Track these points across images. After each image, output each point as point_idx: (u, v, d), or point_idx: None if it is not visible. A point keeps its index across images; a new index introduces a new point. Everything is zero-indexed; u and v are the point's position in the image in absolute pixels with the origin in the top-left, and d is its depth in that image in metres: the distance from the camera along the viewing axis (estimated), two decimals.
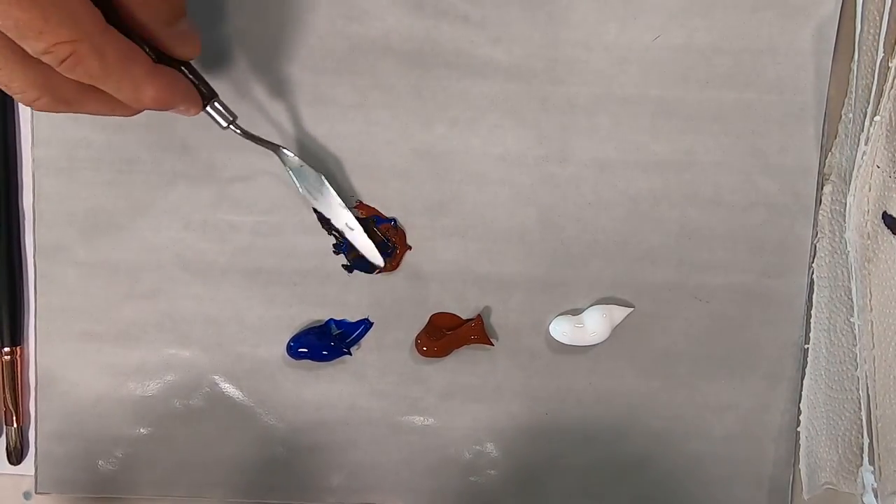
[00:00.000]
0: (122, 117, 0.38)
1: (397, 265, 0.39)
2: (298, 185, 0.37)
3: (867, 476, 0.38)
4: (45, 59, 0.27)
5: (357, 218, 0.38)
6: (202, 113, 0.34)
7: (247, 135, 0.36)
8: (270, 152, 0.37)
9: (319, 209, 0.38)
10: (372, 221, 0.39)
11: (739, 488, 0.40)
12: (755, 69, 0.38)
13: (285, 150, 0.37)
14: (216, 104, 0.34)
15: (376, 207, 0.39)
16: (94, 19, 0.27)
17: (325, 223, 0.39)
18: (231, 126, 0.35)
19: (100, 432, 0.40)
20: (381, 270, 0.39)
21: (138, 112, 0.32)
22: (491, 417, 0.40)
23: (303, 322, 0.40)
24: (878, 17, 0.37)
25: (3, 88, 0.29)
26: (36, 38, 0.26)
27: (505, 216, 0.39)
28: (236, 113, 0.35)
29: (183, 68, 0.32)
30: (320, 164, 0.38)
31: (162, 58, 0.31)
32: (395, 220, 0.39)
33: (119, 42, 0.29)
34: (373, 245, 0.38)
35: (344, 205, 0.38)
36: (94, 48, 0.28)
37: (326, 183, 0.37)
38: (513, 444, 0.40)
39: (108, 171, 0.39)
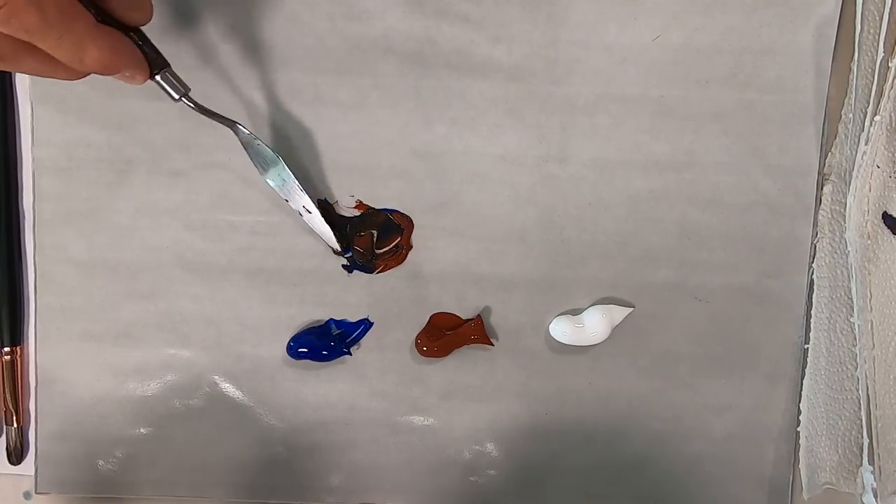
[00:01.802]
0: (122, 117, 0.38)
1: (404, 258, 0.39)
2: (257, 165, 0.36)
3: (867, 476, 0.38)
4: None
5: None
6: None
7: (201, 109, 0.35)
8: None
9: (276, 189, 0.37)
10: (374, 211, 0.39)
11: (739, 488, 0.40)
12: (755, 69, 0.38)
13: (240, 126, 0.36)
14: (167, 74, 0.33)
15: (376, 208, 0.39)
16: None
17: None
18: (184, 99, 0.34)
19: (100, 432, 0.40)
20: (386, 267, 0.39)
21: (80, 77, 0.30)
22: (491, 417, 0.40)
23: (303, 322, 0.40)
24: (878, 17, 0.37)
25: None
26: None
27: (505, 216, 0.39)
28: (188, 92, 0.34)
29: (133, 35, 0.31)
30: (320, 163, 0.38)
31: (108, 21, 0.30)
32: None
33: None
34: (330, 230, 0.37)
35: (301, 187, 0.37)
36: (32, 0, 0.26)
37: (283, 163, 0.36)
38: (513, 444, 0.40)
39: (108, 171, 0.39)
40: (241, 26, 0.38)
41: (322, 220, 0.37)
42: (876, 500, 0.38)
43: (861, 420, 0.38)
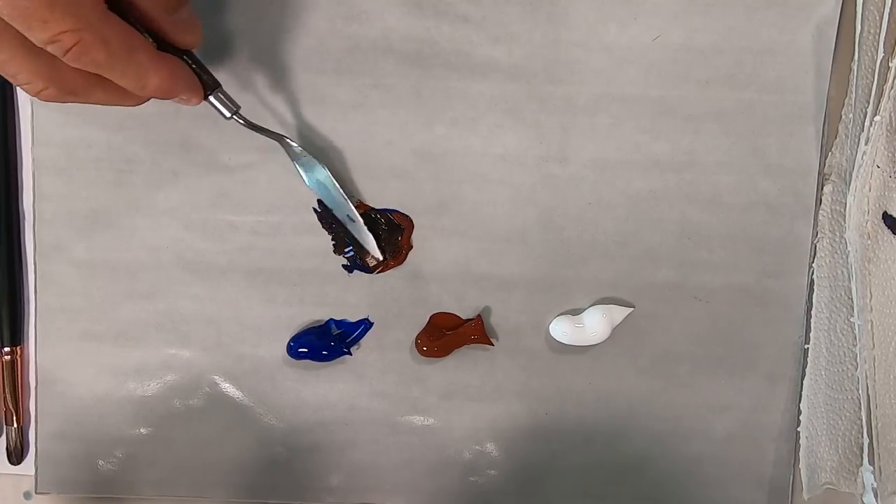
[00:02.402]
0: (122, 117, 0.38)
1: (404, 258, 0.39)
2: (304, 176, 0.37)
3: (867, 476, 0.38)
4: (50, 48, 0.27)
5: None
6: (203, 109, 0.34)
7: (250, 125, 0.36)
8: (270, 152, 0.37)
9: (322, 199, 0.38)
10: (373, 211, 0.39)
11: (739, 488, 0.40)
12: (755, 69, 0.38)
13: (289, 140, 0.37)
14: (219, 94, 0.34)
15: (376, 208, 0.39)
16: (96, 7, 0.27)
17: (326, 222, 0.39)
18: (234, 116, 0.35)
19: (100, 432, 0.40)
20: (386, 267, 0.39)
21: (143, 102, 0.32)
22: (491, 417, 0.40)
23: (303, 322, 0.40)
24: (878, 17, 0.37)
25: (10, 79, 0.29)
26: (41, 28, 0.26)
27: (505, 216, 0.39)
28: (238, 110, 0.35)
29: (185, 57, 0.32)
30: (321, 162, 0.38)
31: (164, 46, 0.31)
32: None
33: (122, 29, 0.29)
34: (373, 238, 0.38)
35: (346, 196, 0.37)
36: (99, 36, 0.27)
37: (328, 173, 0.37)
38: (513, 444, 0.40)
39: (108, 171, 0.39)
40: (240, 27, 0.38)
41: (366, 228, 0.38)
42: (876, 500, 0.38)
43: (861, 420, 0.38)
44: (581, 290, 0.39)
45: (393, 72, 0.38)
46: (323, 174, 0.37)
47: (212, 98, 0.34)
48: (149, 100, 0.32)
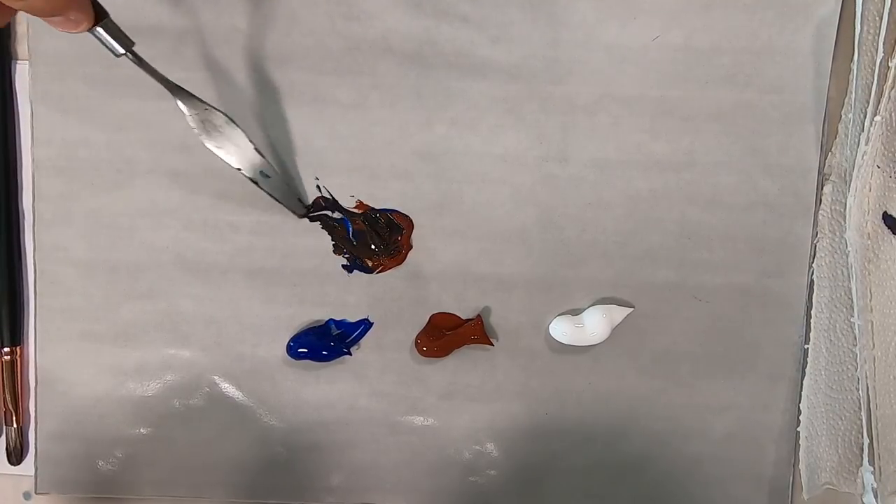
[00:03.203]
0: (122, 118, 0.38)
1: (404, 258, 0.39)
2: (202, 134, 0.35)
3: (867, 476, 0.38)
4: None
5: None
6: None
7: (143, 65, 0.32)
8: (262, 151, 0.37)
9: (227, 158, 0.35)
10: (373, 211, 0.39)
11: (739, 488, 0.40)
12: (755, 69, 0.38)
13: (186, 91, 0.34)
14: (110, 25, 0.29)
15: (376, 208, 0.39)
16: None
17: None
18: (128, 53, 0.31)
19: (100, 432, 0.40)
20: (386, 267, 0.39)
21: (3, 24, 0.28)
22: (491, 417, 0.40)
23: (303, 322, 0.40)
24: (878, 17, 0.37)
25: None
26: None
27: (505, 216, 0.39)
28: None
29: None
30: (320, 164, 0.38)
31: None
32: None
33: None
34: (291, 193, 0.37)
35: (257, 150, 0.35)
36: None
37: (235, 125, 0.35)
38: (513, 444, 0.40)
39: (108, 171, 0.39)
40: (242, 26, 0.38)
41: (284, 183, 0.37)
42: (876, 500, 0.38)
43: (861, 420, 0.38)
44: (581, 290, 0.39)
45: (393, 72, 0.38)
46: (230, 126, 0.35)
47: (100, 29, 0.29)
48: (6, 23, 0.28)
